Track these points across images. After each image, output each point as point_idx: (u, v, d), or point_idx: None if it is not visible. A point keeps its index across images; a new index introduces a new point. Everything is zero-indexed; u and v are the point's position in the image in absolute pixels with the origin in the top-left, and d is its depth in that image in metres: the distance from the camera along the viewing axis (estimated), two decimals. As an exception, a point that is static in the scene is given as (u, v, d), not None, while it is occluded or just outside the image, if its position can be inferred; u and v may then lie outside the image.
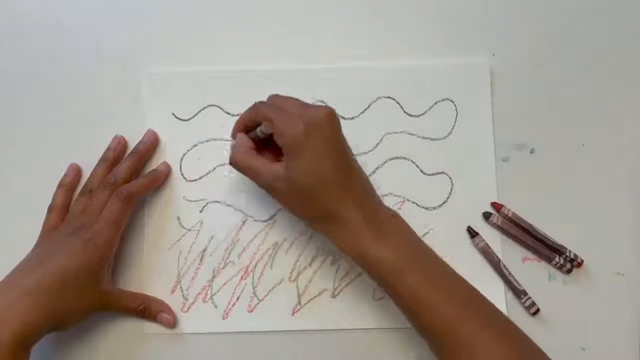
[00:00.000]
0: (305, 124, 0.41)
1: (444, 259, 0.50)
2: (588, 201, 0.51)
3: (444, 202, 0.51)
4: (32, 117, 0.53)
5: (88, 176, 0.51)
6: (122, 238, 0.49)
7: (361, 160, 0.51)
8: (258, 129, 0.45)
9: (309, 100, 0.52)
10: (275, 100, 0.45)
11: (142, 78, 0.53)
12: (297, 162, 0.42)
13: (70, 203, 0.50)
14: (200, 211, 0.51)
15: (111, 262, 0.48)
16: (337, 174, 0.42)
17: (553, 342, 0.49)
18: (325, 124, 0.42)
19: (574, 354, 0.49)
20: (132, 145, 0.52)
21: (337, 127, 0.43)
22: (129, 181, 0.49)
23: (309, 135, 0.41)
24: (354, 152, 0.51)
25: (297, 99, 0.45)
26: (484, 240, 0.50)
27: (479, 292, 0.42)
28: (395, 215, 0.44)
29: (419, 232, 0.50)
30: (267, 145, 0.46)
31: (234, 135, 0.47)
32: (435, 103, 0.52)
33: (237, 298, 0.50)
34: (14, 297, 0.42)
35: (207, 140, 0.52)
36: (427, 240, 0.50)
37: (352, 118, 0.52)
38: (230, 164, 0.46)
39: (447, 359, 0.41)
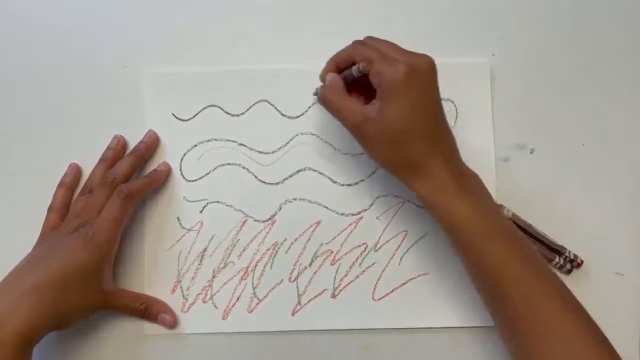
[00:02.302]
0: (407, 68, 0.41)
1: (443, 259, 0.50)
2: (588, 201, 0.51)
3: (444, 202, 0.51)
4: (32, 117, 0.53)
5: (88, 176, 0.51)
6: (123, 238, 0.49)
7: (361, 161, 0.52)
8: (354, 68, 0.44)
9: (309, 102, 0.52)
10: (373, 42, 0.44)
11: (142, 78, 0.53)
12: (394, 105, 0.41)
13: (70, 203, 0.50)
14: (200, 211, 0.51)
15: (112, 261, 0.48)
16: (431, 123, 0.42)
17: (553, 342, 0.49)
18: (428, 71, 0.42)
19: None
20: (132, 145, 0.52)
21: (436, 78, 0.43)
22: (127, 179, 0.49)
23: (410, 80, 0.41)
24: (354, 152, 0.52)
25: (394, 43, 0.44)
26: (483, 240, 0.50)
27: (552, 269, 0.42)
28: (475, 175, 0.44)
29: (419, 233, 0.51)
30: (353, 88, 0.46)
31: (324, 75, 0.47)
32: (435, 103, 0.52)
33: (237, 298, 0.50)
34: (15, 297, 0.42)
35: (207, 140, 0.52)
36: (427, 241, 0.51)
37: (352, 118, 0.52)
38: (320, 101, 0.46)
39: (521, 335, 0.41)
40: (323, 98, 0.45)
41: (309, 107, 0.52)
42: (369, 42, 0.44)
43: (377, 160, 0.44)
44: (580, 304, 0.41)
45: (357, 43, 0.45)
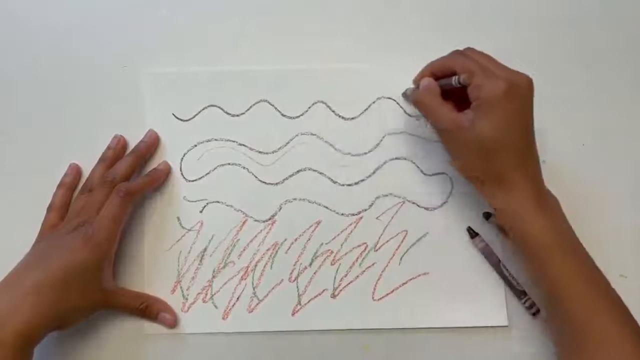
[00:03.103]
0: (507, 85, 0.42)
1: (443, 259, 0.50)
2: (589, 202, 0.51)
3: (444, 203, 0.51)
4: (32, 117, 0.53)
5: (88, 176, 0.51)
6: (122, 238, 0.49)
7: (361, 161, 0.52)
8: (454, 78, 0.45)
9: (309, 101, 0.52)
10: (473, 55, 0.46)
11: (142, 78, 0.53)
12: (489, 118, 0.42)
13: (69, 203, 0.50)
14: (200, 211, 0.51)
15: (112, 259, 0.47)
16: (522, 140, 0.43)
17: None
18: (526, 90, 0.43)
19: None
20: (132, 145, 0.52)
21: (533, 97, 0.44)
22: (127, 179, 0.49)
23: (508, 96, 0.42)
24: (354, 152, 0.52)
25: (493, 57, 0.45)
26: (483, 240, 0.50)
27: (618, 295, 0.43)
28: (555, 197, 0.45)
29: (419, 233, 0.51)
30: (446, 96, 0.46)
31: (419, 79, 0.48)
32: (435, 103, 0.52)
33: (237, 298, 0.50)
34: (15, 297, 0.42)
35: (207, 140, 0.52)
36: (427, 241, 0.51)
37: (352, 118, 0.52)
38: (415, 102, 0.48)
39: (574, 349, 0.42)
40: (418, 100, 0.47)
41: (308, 109, 0.52)
42: (469, 54, 0.45)
43: (461, 168, 0.46)
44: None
45: (457, 53, 0.46)
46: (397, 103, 0.52)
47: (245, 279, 0.51)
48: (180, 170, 0.52)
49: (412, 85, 0.51)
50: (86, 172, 0.52)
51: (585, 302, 0.41)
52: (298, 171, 0.52)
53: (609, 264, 0.50)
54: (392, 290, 0.50)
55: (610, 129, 0.52)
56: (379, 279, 0.50)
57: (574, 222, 0.50)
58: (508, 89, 0.42)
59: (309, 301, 0.50)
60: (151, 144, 0.51)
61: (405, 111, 0.52)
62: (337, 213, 0.51)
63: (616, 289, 0.49)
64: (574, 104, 0.53)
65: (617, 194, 0.51)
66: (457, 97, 0.46)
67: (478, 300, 0.49)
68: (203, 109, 0.53)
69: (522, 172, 0.43)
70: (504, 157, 0.43)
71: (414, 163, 0.52)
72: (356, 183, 0.52)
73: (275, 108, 0.52)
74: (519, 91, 0.43)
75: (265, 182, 0.52)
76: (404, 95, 0.52)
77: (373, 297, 0.50)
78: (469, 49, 0.47)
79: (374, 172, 0.52)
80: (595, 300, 0.42)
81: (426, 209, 0.51)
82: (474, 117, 0.43)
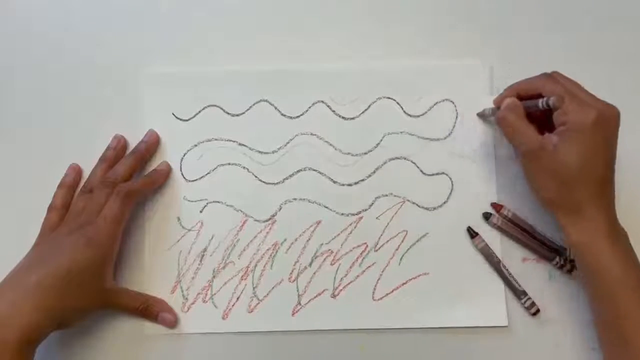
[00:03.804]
0: (597, 115, 0.42)
1: (443, 259, 0.50)
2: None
3: (444, 203, 0.51)
4: (32, 117, 0.53)
5: (88, 176, 0.51)
6: (123, 238, 0.49)
7: (361, 161, 0.52)
8: (541, 101, 0.45)
9: (309, 101, 0.52)
10: (561, 79, 0.45)
11: (142, 78, 0.53)
12: (575, 146, 0.42)
13: (70, 203, 0.50)
14: (200, 211, 0.51)
15: (113, 260, 0.48)
16: (604, 172, 0.43)
17: (553, 342, 0.49)
18: (615, 123, 0.44)
19: (575, 354, 0.49)
20: (132, 145, 0.52)
21: (618, 129, 0.44)
22: (128, 179, 0.49)
23: (596, 126, 0.42)
24: (354, 152, 0.52)
25: (579, 84, 0.45)
26: (484, 240, 0.50)
27: None
28: (625, 231, 0.45)
29: (419, 233, 0.51)
30: (528, 118, 0.46)
31: (501, 100, 0.48)
32: (435, 103, 0.52)
33: (237, 298, 0.50)
34: (17, 296, 0.42)
35: (207, 140, 0.52)
36: (427, 241, 0.51)
37: (352, 118, 0.52)
38: (498, 119, 0.47)
39: None
40: (502, 118, 0.46)
41: (308, 109, 0.52)
42: (558, 79, 0.45)
43: (537, 191, 0.45)
44: None
45: (545, 76, 0.46)
46: (397, 103, 0.52)
47: (245, 279, 0.51)
48: (180, 170, 0.52)
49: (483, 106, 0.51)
50: (86, 172, 0.52)
51: None
52: (298, 171, 0.52)
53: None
54: (392, 290, 0.50)
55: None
56: (379, 279, 0.50)
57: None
58: (597, 119, 0.42)
59: (309, 301, 0.50)
60: (151, 144, 0.51)
61: (405, 111, 0.52)
62: (337, 213, 0.51)
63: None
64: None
65: (618, 195, 0.51)
66: (536, 120, 0.46)
67: (478, 300, 0.49)
68: (203, 109, 0.53)
69: (598, 204, 0.43)
70: (583, 187, 0.43)
71: (414, 163, 0.52)
72: (356, 183, 0.52)
73: (275, 108, 0.52)
74: (608, 122, 0.43)
75: (265, 182, 0.52)
76: (480, 114, 0.51)
77: (373, 297, 0.50)
78: (556, 72, 0.46)
79: (374, 172, 0.52)
80: None
81: (426, 208, 0.51)
82: (557, 142, 0.43)
